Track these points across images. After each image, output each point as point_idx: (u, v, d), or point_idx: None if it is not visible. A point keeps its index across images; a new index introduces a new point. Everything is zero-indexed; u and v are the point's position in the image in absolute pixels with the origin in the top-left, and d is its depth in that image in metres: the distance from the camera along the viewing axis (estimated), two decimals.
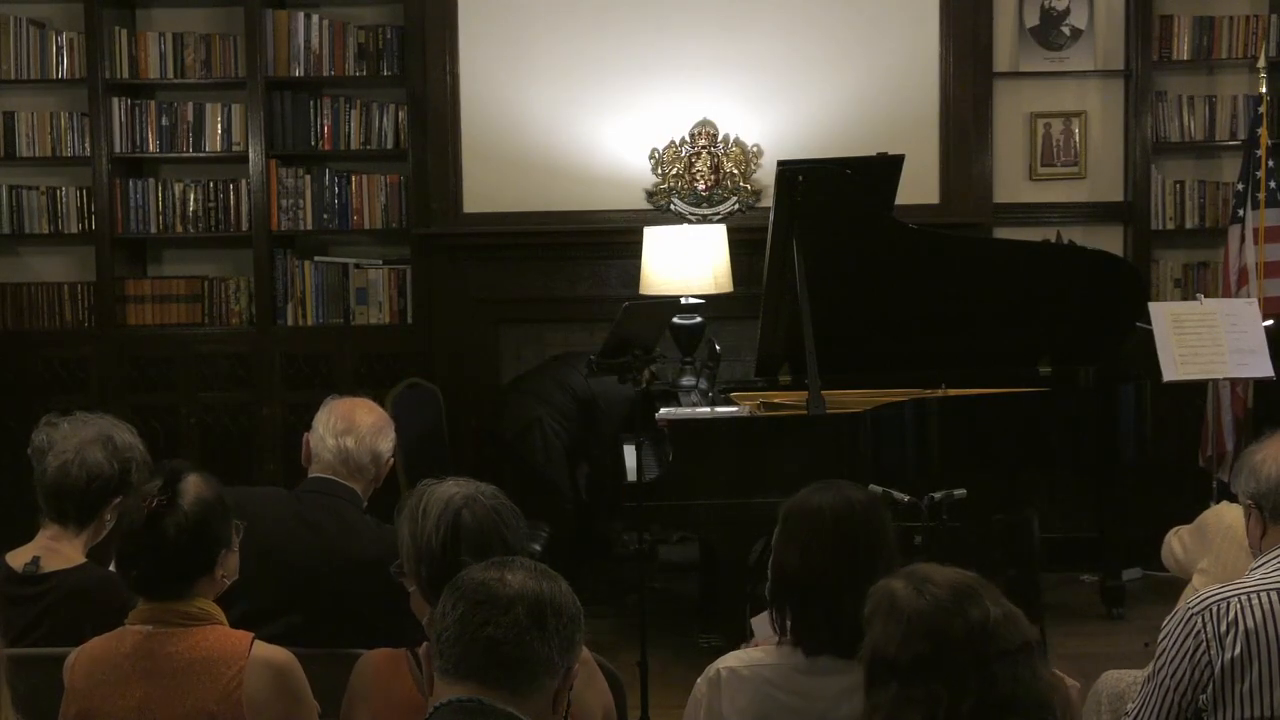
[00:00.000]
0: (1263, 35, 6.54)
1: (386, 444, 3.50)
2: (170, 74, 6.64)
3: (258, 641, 2.63)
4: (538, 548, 5.32)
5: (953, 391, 5.43)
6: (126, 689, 2.56)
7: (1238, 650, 2.49)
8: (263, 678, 2.59)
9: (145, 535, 2.62)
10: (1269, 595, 2.53)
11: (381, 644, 2.79)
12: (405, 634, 2.79)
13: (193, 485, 2.67)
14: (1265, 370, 5.50)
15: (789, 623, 2.58)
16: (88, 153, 6.60)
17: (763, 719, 2.54)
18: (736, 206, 6.51)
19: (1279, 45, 6.58)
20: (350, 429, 3.44)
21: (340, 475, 3.43)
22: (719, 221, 6.36)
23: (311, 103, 6.67)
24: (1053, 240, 6.46)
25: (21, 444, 3.38)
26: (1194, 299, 6.05)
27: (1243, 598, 2.53)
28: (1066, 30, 6.66)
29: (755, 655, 2.63)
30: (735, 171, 6.52)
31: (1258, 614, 2.51)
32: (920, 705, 1.94)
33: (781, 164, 5.33)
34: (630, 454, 5.16)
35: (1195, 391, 5.93)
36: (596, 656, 2.74)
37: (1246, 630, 2.49)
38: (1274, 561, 2.61)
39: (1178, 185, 6.70)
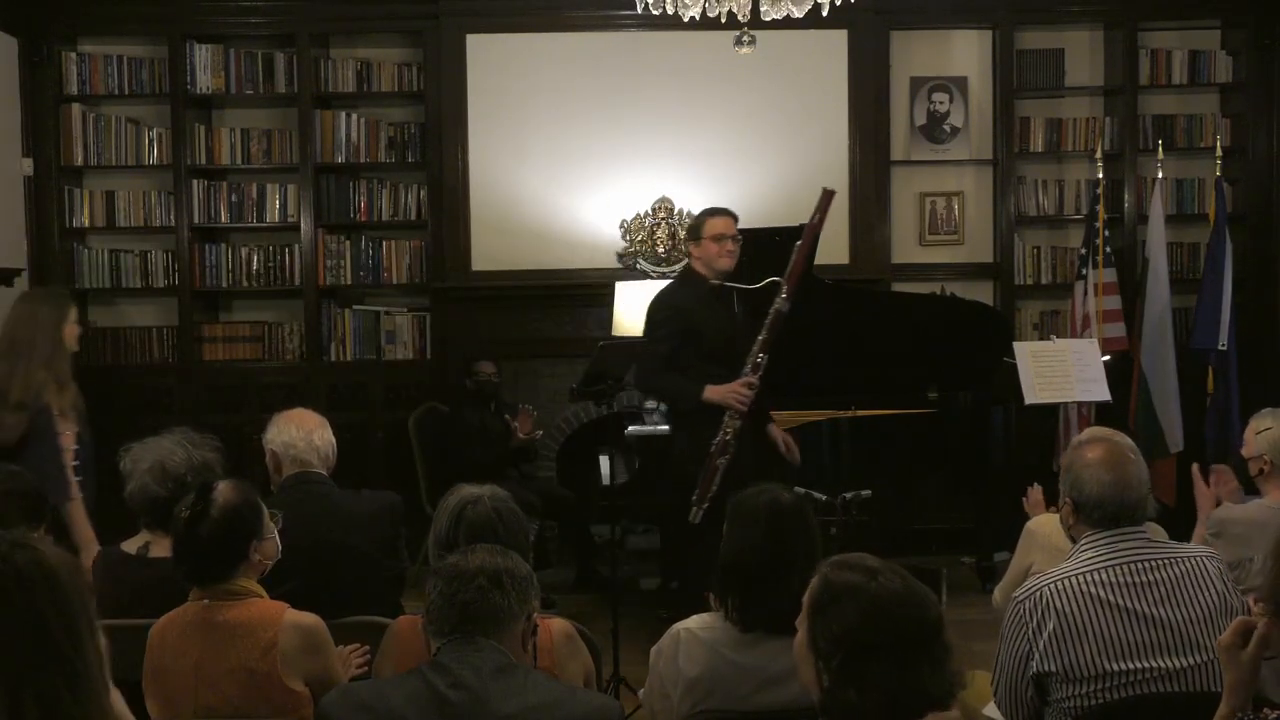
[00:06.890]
0: (1099, 133, 6.62)
1: (332, 436, 3.43)
2: (239, 160, 6.61)
3: (289, 610, 2.60)
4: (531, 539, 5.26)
5: (860, 412, 5.42)
6: (186, 650, 2.54)
7: (1051, 627, 2.50)
8: (293, 638, 2.55)
9: (185, 539, 2.57)
10: (1075, 580, 2.53)
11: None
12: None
13: (221, 493, 2.60)
14: (1104, 395, 5.53)
15: (731, 602, 2.54)
16: (173, 223, 6.56)
17: (711, 671, 2.52)
18: None
19: (1112, 141, 6.66)
20: (312, 429, 3.37)
21: (313, 466, 3.35)
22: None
23: (351, 183, 6.65)
24: (938, 293, 6.51)
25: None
26: (1048, 339, 6.08)
27: (1055, 585, 2.54)
28: (947, 128, 6.73)
29: (708, 620, 2.59)
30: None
31: (1065, 596, 2.51)
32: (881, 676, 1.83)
33: None
34: (604, 462, 5.13)
35: (1049, 411, 5.97)
36: (578, 626, 2.72)
37: (1059, 611, 2.50)
38: (1080, 552, 2.61)
39: (1035, 249, 6.75)
